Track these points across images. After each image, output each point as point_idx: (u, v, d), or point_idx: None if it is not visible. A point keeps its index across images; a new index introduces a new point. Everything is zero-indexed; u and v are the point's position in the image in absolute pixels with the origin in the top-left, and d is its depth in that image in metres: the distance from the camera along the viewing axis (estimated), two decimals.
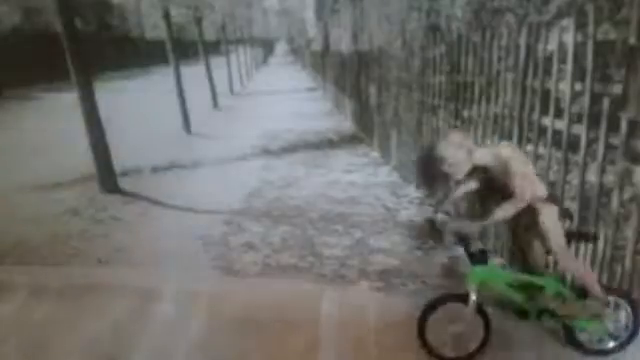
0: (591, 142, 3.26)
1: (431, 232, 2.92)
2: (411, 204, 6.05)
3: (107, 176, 6.77)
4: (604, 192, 3.20)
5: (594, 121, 3.17)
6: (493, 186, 2.77)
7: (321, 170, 7.88)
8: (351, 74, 11.78)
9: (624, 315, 2.95)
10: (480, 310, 2.87)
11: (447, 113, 5.40)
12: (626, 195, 3.10)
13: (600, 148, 3.13)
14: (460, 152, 2.66)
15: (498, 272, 2.95)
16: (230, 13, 23.69)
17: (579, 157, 3.34)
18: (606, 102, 3.05)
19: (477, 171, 2.79)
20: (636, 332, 2.95)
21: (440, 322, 2.88)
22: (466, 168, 2.71)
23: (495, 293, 2.90)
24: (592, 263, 3.31)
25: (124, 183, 7.05)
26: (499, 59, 4.27)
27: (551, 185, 3.69)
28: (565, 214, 2.90)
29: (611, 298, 2.92)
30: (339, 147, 9.73)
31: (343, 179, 7.26)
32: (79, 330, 3.32)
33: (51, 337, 3.26)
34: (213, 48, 31.63)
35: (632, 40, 2.92)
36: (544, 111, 3.70)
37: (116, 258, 4.70)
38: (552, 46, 3.58)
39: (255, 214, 5.84)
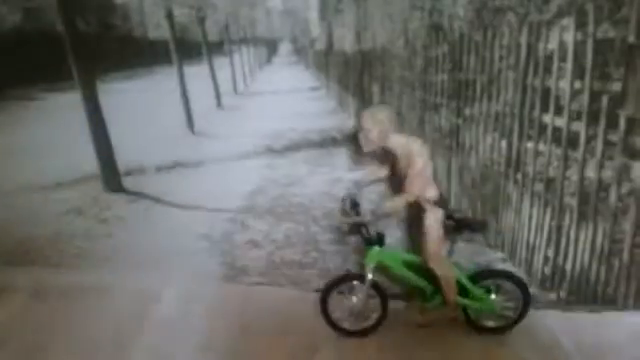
0: (590, 139, 3.30)
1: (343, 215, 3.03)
2: None
3: (111, 175, 6.81)
4: (603, 187, 3.24)
5: (593, 118, 3.22)
6: (398, 175, 2.85)
7: (324, 168, 7.92)
8: (354, 73, 11.82)
9: (508, 296, 3.10)
10: (378, 289, 3.03)
11: (449, 111, 5.45)
12: (624, 190, 3.14)
13: (599, 145, 3.17)
14: (376, 127, 2.75)
15: (393, 253, 3.03)
16: (233, 13, 23.75)
17: (578, 153, 3.39)
18: (605, 100, 3.10)
19: (387, 156, 2.87)
20: (526, 310, 3.09)
21: (342, 299, 3.09)
22: (374, 145, 2.81)
23: (393, 273, 3.02)
24: (591, 257, 3.36)
25: (128, 182, 7.09)
26: (500, 58, 4.32)
27: (551, 181, 3.74)
28: (449, 216, 2.96)
29: (491, 281, 3.08)
30: (342, 145, 9.76)
31: (346, 177, 7.30)
32: (80, 331, 3.33)
33: (51, 338, 3.27)
34: (216, 48, 31.66)
35: (631, 39, 2.96)
36: (544, 109, 3.75)
37: (120, 257, 4.74)
38: (552, 45, 3.63)
39: (259, 212, 5.89)
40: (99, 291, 3.82)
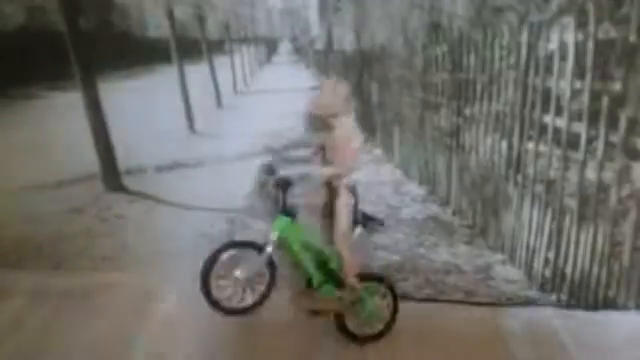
0: (591, 139, 3.29)
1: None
2: (413, 202, 6.08)
3: (111, 175, 6.80)
4: (603, 189, 3.23)
5: (594, 119, 3.20)
6: (331, 150, 2.88)
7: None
8: (354, 73, 11.79)
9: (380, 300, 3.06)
10: (273, 263, 2.92)
11: (449, 111, 5.43)
12: (624, 192, 3.13)
13: (600, 145, 3.16)
14: (337, 98, 2.87)
15: (298, 229, 2.92)
16: (233, 12, 23.73)
17: (579, 154, 3.37)
18: (606, 100, 3.08)
19: (328, 128, 2.88)
20: (394, 319, 3.07)
21: (227, 268, 2.88)
22: (326, 112, 2.85)
23: (290, 252, 2.92)
24: (591, 259, 3.34)
25: (128, 182, 7.08)
26: (500, 57, 4.30)
27: (551, 182, 3.73)
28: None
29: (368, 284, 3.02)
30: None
31: None
32: (80, 332, 3.32)
33: (51, 339, 3.26)
34: (217, 47, 31.60)
35: (632, 38, 2.95)
36: (545, 109, 3.73)
37: (121, 256, 4.73)
38: (553, 44, 3.61)
39: (259, 212, 5.87)
40: (99, 291, 3.81)
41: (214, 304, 2.89)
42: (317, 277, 2.95)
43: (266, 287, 2.98)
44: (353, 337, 3.06)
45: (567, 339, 3.04)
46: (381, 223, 3.19)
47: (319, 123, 2.94)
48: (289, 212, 2.87)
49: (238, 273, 2.85)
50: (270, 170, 2.96)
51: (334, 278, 2.98)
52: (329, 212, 2.96)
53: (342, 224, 2.90)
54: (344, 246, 2.91)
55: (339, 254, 2.92)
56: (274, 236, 2.81)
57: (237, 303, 2.95)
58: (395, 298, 3.10)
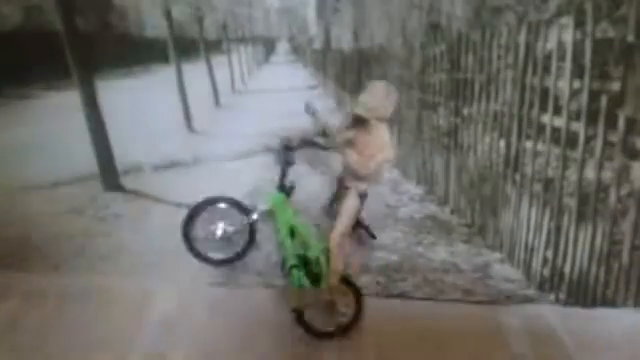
0: (589, 139, 3.29)
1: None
2: (411, 201, 6.07)
3: (109, 174, 6.78)
4: (602, 188, 3.23)
5: (592, 118, 3.21)
6: (359, 152, 2.87)
7: (322, 167, 7.90)
8: (352, 72, 11.79)
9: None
10: (254, 227, 3.00)
11: (447, 110, 5.43)
12: (623, 191, 3.13)
13: (598, 145, 3.16)
14: (387, 100, 2.94)
15: (290, 211, 2.99)
16: (231, 12, 23.70)
17: (577, 154, 3.38)
18: (604, 99, 3.09)
19: (363, 131, 2.89)
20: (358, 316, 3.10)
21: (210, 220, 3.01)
22: (371, 114, 2.86)
23: (275, 230, 3.01)
24: (590, 258, 3.35)
25: (126, 181, 7.06)
26: (499, 57, 4.31)
27: (549, 181, 3.73)
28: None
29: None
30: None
31: None
32: (78, 332, 3.31)
33: (50, 340, 3.25)
34: (214, 46, 31.54)
35: (630, 38, 2.95)
36: (543, 108, 3.74)
37: (119, 256, 4.72)
38: (551, 44, 3.61)
39: (258, 211, 5.85)
40: (98, 291, 3.81)
41: (192, 249, 3.00)
42: (291, 260, 2.97)
43: (241, 248, 3.02)
44: (312, 331, 3.09)
45: (566, 337, 3.05)
46: (373, 237, 3.19)
47: (359, 123, 2.90)
48: (285, 189, 2.85)
49: (218, 228, 2.91)
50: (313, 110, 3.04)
51: (311, 274, 2.98)
52: (333, 211, 2.96)
53: (342, 225, 2.90)
54: (336, 247, 2.91)
55: (327, 252, 2.91)
56: (263, 208, 2.90)
57: (212, 253, 3.10)
58: (359, 299, 3.11)
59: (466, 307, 3.65)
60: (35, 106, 17.18)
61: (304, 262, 2.99)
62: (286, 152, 2.87)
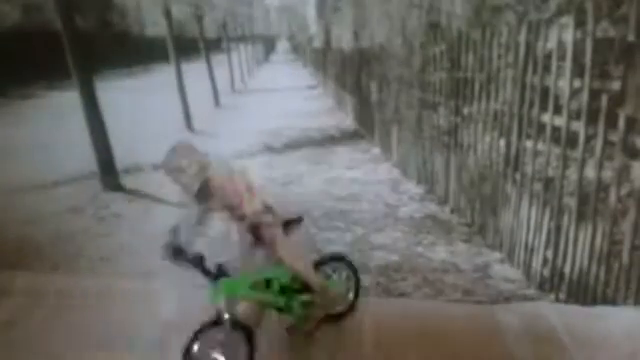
0: (589, 138, 3.29)
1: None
2: (411, 200, 6.08)
3: (109, 174, 6.79)
4: (602, 187, 3.23)
5: (593, 117, 3.20)
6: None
7: (323, 166, 7.91)
8: (352, 71, 11.79)
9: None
10: (239, 325, 2.72)
11: (447, 110, 5.43)
12: (624, 190, 3.13)
13: (598, 144, 3.16)
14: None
15: (239, 279, 2.83)
16: (231, 11, 23.69)
17: (578, 153, 3.37)
18: (604, 99, 3.08)
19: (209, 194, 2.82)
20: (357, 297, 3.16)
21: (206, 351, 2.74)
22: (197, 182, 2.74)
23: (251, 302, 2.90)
24: (590, 258, 3.34)
25: (126, 181, 7.07)
26: (499, 56, 4.30)
27: (550, 181, 3.73)
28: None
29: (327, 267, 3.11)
30: (340, 144, 9.75)
31: (344, 176, 7.29)
32: (78, 333, 3.31)
33: (50, 340, 3.25)
34: (214, 45, 31.58)
35: (631, 37, 2.94)
36: (543, 108, 3.73)
37: (118, 256, 4.72)
38: (551, 43, 3.61)
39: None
40: (98, 291, 3.80)
41: None
42: (281, 301, 2.94)
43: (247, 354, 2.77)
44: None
45: (565, 335, 3.04)
46: (300, 219, 3.13)
47: (202, 193, 2.80)
48: (220, 273, 2.73)
49: (212, 353, 2.71)
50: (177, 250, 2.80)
51: (298, 288, 2.97)
52: (258, 241, 2.92)
53: (285, 253, 2.86)
54: (298, 266, 2.90)
55: (290, 268, 2.88)
56: (223, 304, 2.68)
57: None
58: (357, 279, 3.16)
59: (466, 307, 3.65)
60: (36, 106, 17.21)
61: (292, 290, 2.97)
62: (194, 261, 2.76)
